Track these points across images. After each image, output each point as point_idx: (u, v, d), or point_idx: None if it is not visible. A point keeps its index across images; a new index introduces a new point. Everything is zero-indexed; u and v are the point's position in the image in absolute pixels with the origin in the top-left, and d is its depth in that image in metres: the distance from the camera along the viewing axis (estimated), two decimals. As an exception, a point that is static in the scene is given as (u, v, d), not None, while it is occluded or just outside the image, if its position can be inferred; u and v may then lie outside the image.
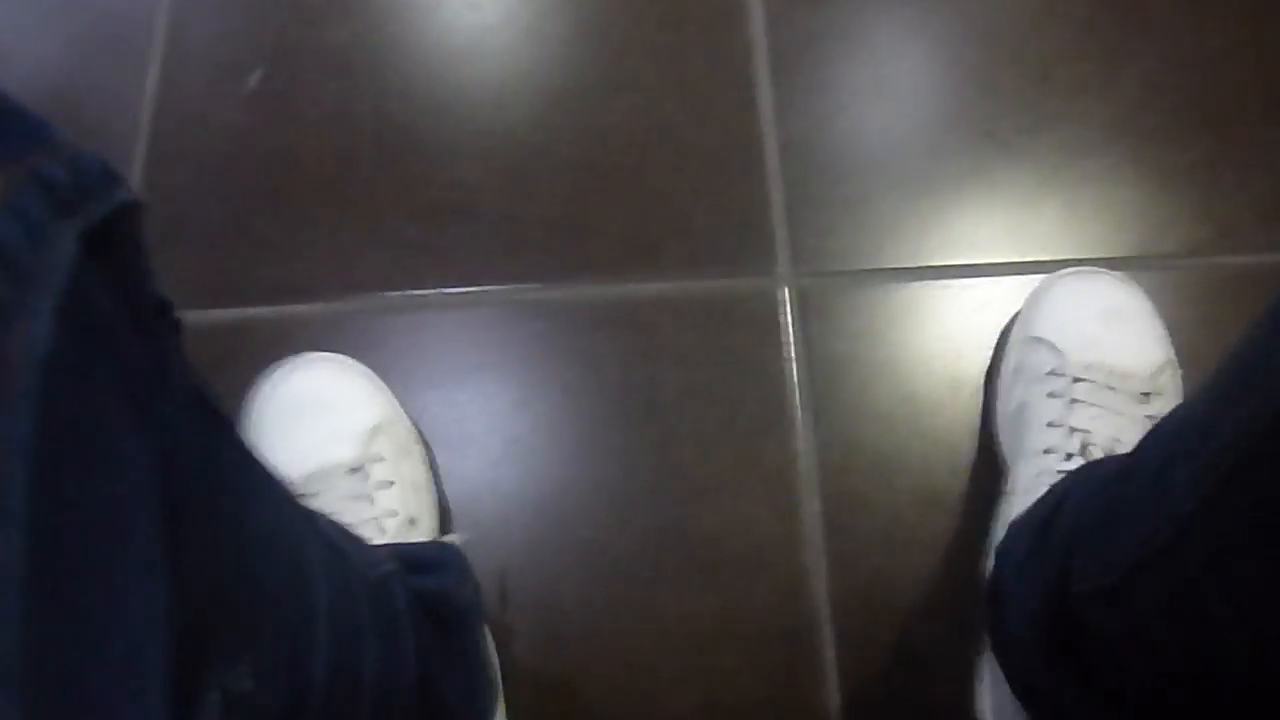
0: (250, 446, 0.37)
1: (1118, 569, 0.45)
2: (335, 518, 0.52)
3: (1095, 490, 0.53)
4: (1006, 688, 0.60)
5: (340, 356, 0.71)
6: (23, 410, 0.22)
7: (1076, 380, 0.64)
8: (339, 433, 0.66)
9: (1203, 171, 0.81)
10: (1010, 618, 0.58)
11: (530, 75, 0.87)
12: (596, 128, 0.84)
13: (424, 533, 0.66)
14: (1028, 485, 0.63)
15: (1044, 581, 0.52)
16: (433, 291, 0.80)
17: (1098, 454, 0.61)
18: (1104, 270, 0.71)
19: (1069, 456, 0.62)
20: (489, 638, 0.65)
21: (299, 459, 0.64)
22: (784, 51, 0.86)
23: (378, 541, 0.60)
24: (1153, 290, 0.71)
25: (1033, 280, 0.76)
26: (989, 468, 0.73)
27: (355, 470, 0.64)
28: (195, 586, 0.29)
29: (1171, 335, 0.69)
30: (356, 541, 0.51)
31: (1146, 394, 0.63)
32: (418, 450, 0.71)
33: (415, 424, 0.73)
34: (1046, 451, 0.63)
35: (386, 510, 0.63)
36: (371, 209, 0.82)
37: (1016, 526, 0.61)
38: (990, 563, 0.64)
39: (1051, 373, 0.65)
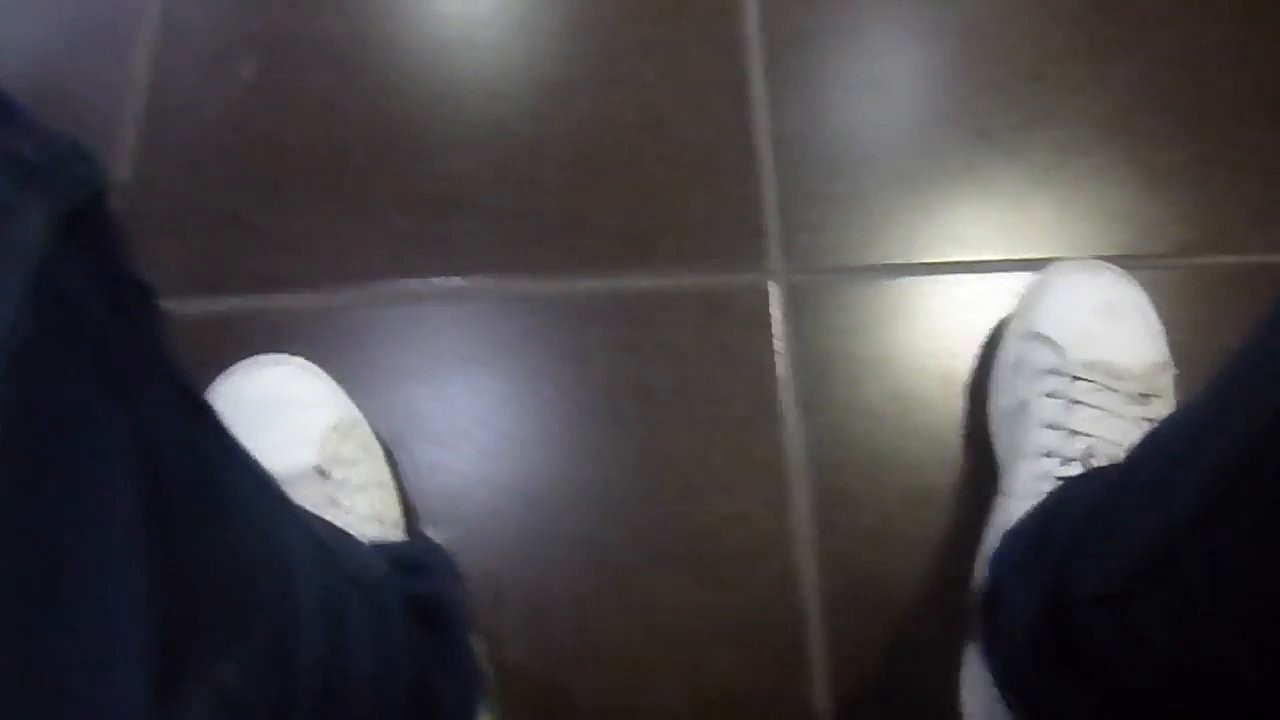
0: (235, 439, 0.36)
1: (1117, 576, 0.45)
2: None
3: (1093, 497, 0.52)
4: (993, 696, 0.60)
5: (295, 358, 0.70)
6: None
7: (1076, 379, 0.64)
8: (298, 435, 0.65)
9: (1194, 171, 0.82)
10: (1005, 624, 0.58)
11: (523, 68, 0.86)
12: (590, 121, 0.84)
13: (391, 530, 0.66)
14: (1025, 489, 0.63)
15: (1041, 588, 0.52)
16: (424, 284, 0.80)
17: (1100, 463, 0.60)
18: (1104, 263, 0.71)
19: (1068, 461, 0.61)
20: (478, 638, 0.65)
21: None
22: (778, 47, 0.86)
23: None
24: (1143, 289, 0.71)
25: (1024, 278, 0.76)
26: (979, 465, 0.73)
27: (316, 473, 0.64)
28: (179, 576, 0.29)
29: (1161, 334, 0.69)
30: (346, 541, 0.50)
31: (1145, 395, 0.63)
32: (378, 450, 0.71)
33: (382, 426, 0.72)
34: (1046, 455, 0.62)
35: (355, 514, 0.63)
36: (363, 200, 0.82)
37: (1012, 533, 0.61)
38: (984, 569, 0.64)
39: (1051, 371, 0.65)
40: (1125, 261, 0.75)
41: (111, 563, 0.24)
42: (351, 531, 0.61)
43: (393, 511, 0.68)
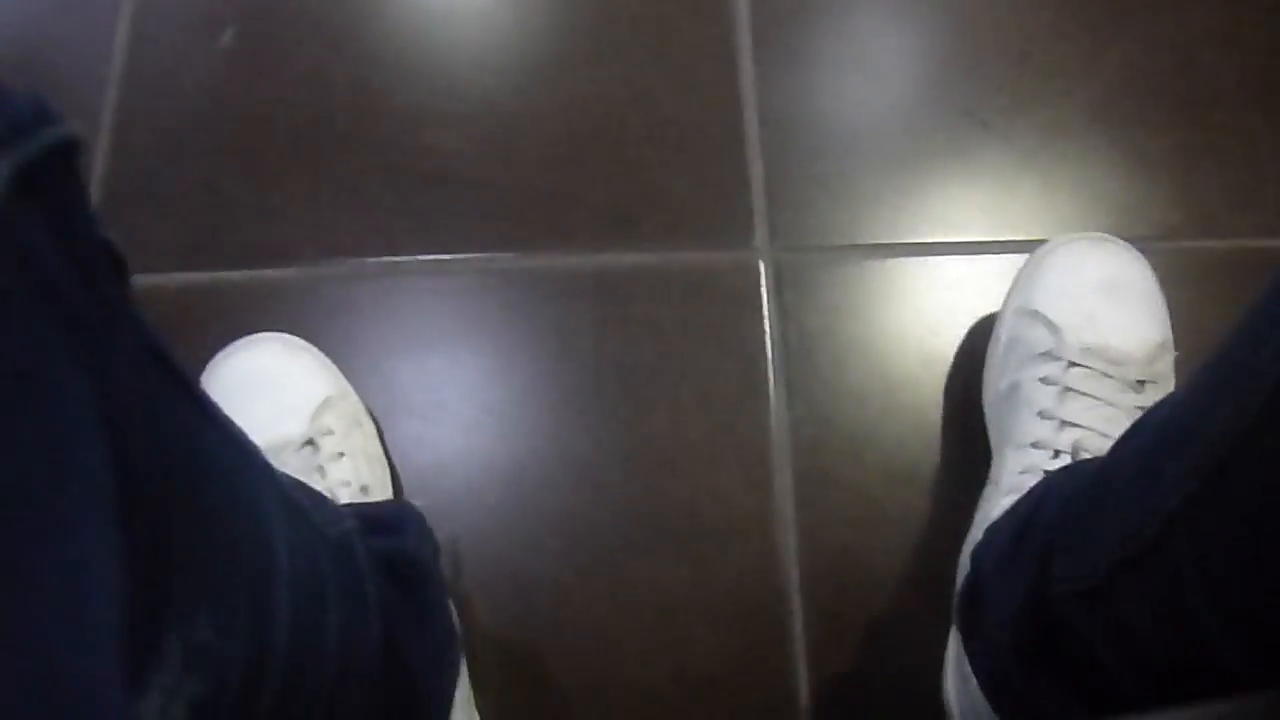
0: (211, 401, 0.36)
1: (1100, 568, 0.44)
2: None
3: (1076, 490, 0.52)
4: (974, 687, 0.60)
5: (285, 335, 0.70)
6: None
7: (1072, 365, 0.62)
8: (287, 409, 0.66)
9: (1179, 156, 0.82)
10: (987, 618, 0.58)
11: (510, 41, 0.86)
12: (576, 97, 0.83)
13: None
14: (1012, 480, 0.62)
15: (1022, 583, 0.52)
16: (407, 258, 0.79)
17: (1087, 456, 0.60)
18: (1108, 237, 0.69)
19: (1057, 454, 0.60)
20: (451, 603, 0.65)
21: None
22: (766, 25, 0.85)
23: None
24: (1141, 256, 0.70)
25: (1009, 260, 0.76)
26: (961, 445, 0.73)
27: (305, 444, 0.64)
28: (151, 536, 0.28)
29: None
30: (317, 499, 0.50)
31: (1142, 381, 0.62)
32: (367, 422, 0.71)
33: (364, 399, 0.73)
34: (1035, 445, 0.62)
35: (339, 481, 0.63)
36: (346, 173, 0.81)
37: (994, 527, 0.60)
38: (965, 561, 0.64)
39: (1046, 354, 0.64)
40: (1109, 244, 0.75)
41: (79, 516, 0.24)
42: (336, 499, 0.61)
43: (382, 484, 0.68)
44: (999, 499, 0.62)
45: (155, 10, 0.86)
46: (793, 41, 0.85)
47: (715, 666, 0.69)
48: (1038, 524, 0.54)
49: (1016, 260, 0.73)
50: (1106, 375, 0.62)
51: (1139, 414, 0.60)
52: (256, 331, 0.71)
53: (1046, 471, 0.60)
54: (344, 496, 0.63)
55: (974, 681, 0.59)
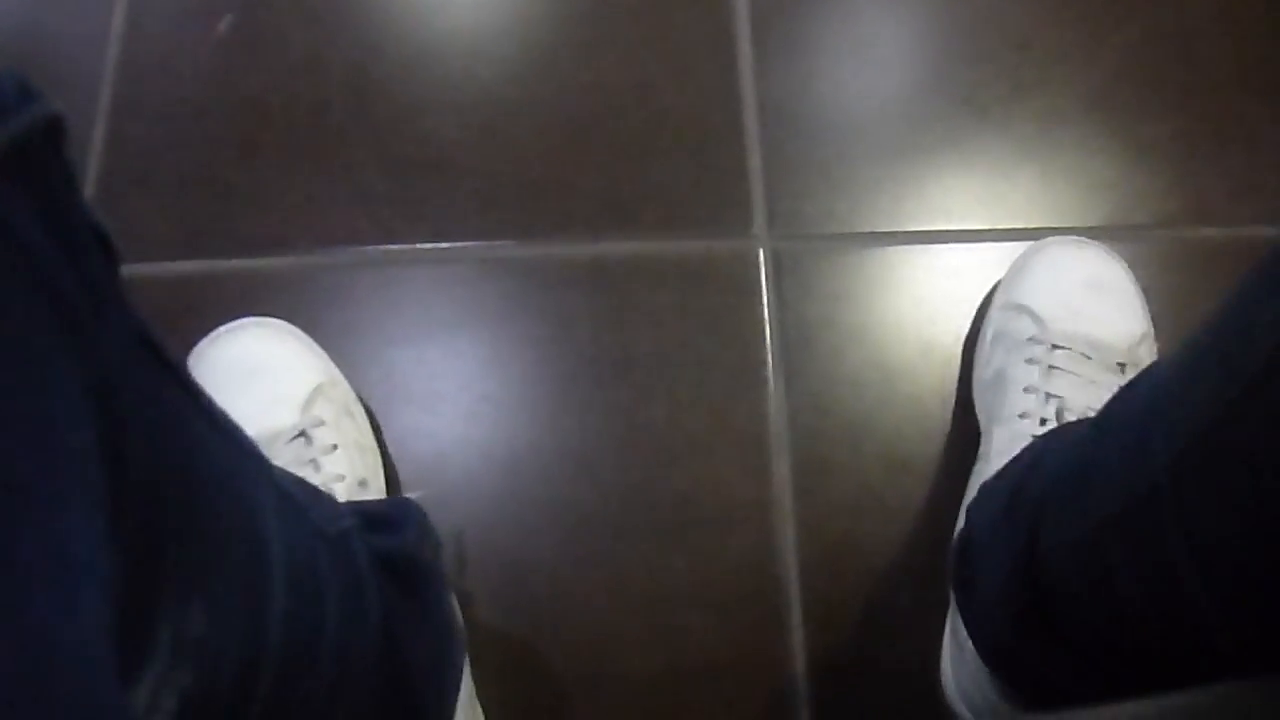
0: (202, 390, 0.36)
1: (1089, 525, 0.45)
2: None
3: (1068, 450, 0.53)
4: (969, 651, 0.61)
5: (271, 319, 0.70)
6: None
7: (1055, 348, 0.64)
8: (277, 398, 0.65)
9: (1177, 144, 0.82)
10: (979, 576, 0.59)
11: (508, 29, 0.85)
12: (574, 85, 0.83)
13: (373, 494, 0.66)
14: (1002, 449, 0.63)
15: (1014, 539, 0.53)
16: (405, 247, 0.79)
17: (1072, 419, 0.61)
18: (1089, 240, 0.71)
19: (1043, 422, 0.62)
20: (453, 597, 0.65)
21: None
22: (765, 12, 0.85)
23: None
24: (1124, 261, 0.71)
25: (1006, 248, 0.76)
26: (959, 434, 0.73)
27: (298, 436, 0.64)
28: (141, 520, 0.28)
29: (1142, 306, 0.70)
30: (315, 496, 0.50)
31: (1122, 365, 0.64)
32: (358, 410, 0.70)
33: (363, 389, 0.73)
34: (1022, 416, 0.63)
35: (334, 474, 0.63)
36: (343, 161, 0.81)
37: (988, 486, 0.61)
38: (961, 524, 0.65)
39: (1031, 339, 0.66)
40: (1107, 232, 0.75)
41: (67, 499, 0.24)
42: (331, 493, 0.61)
43: (375, 474, 0.68)
44: (990, 467, 0.64)
45: (151, -2, 0.86)
46: (792, 29, 0.85)
47: (713, 656, 0.69)
48: (1030, 483, 0.55)
49: (1015, 249, 0.74)
50: (1087, 357, 0.64)
51: None
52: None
53: (1035, 438, 0.61)
54: (340, 491, 0.62)
55: (969, 648, 0.60)
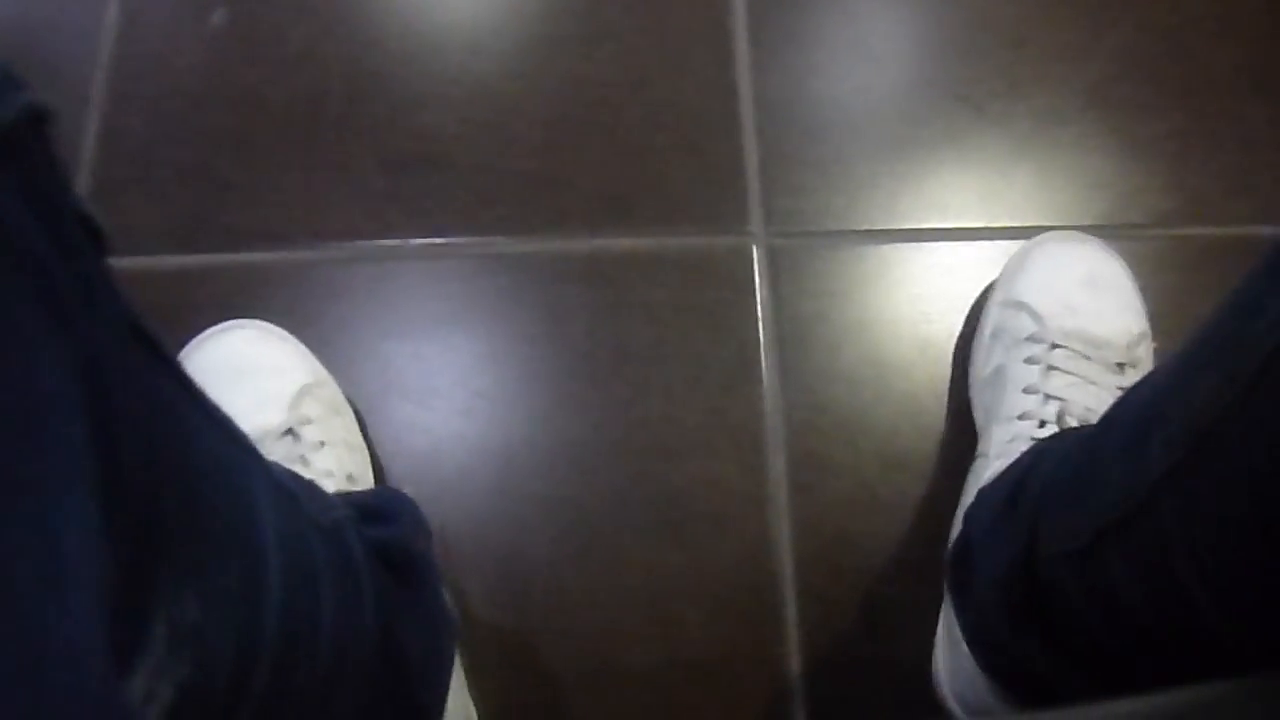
0: (194, 381, 0.36)
1: (1088, 531, 0.45)
2: None
3: (1067, 455, 0.53)
4: (963, 652, 0.61)
5: (260, 322, 0.70)
6: None
7: (1054, 347, 0.64)
8: (266, 398, 0.65)
9: (1174, 142, 0.82)
10: (977, 581, 0.59)
11: (504, 24, 0.85)
12: (571, 80, 0.83)
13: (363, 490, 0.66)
14: (1000, 449, 0.63)
15: (1012, 544, 0.53)
16: (400, 242, 0.79)
17: (1072, 423, 0.61)
18: (1087, 236, 0.71)
19: (1043, 424, 0.62)
20: (446, 591, 0.65)
21: None
22: (762, 8, 0.85)
23: None
24: (1124, 262, 0.71)
25: (1002, 246, 0.76)
26: (955, 431, 0.73)
27: (286, 433, 0.64)
28: (135, 510, 0.28)
29: (1138, 304, 0.70)
30: (308, 488, 0.50)
31: (1121, 365, 0.64)
32: (346, 410, 0.71)
33: (357, 384, 0.72)
34: (1021, 417, 0.63)
35: (323, 471, 0.63)
36: (339, 156, 0.81)
37: (986, 491, 0.61)
38: (958, 526, 0.64)
39: (1030, 338, 0.66)
40: (1103, 231, 0.75)
41: (57, 489, 0.24)
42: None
43: (364, 471, 0.68)
44: (988, 467, 0.63)
45: (146, -9, 0.86)
46: (789, 25, 0.85)
47: (709, 651, 0.69)
48: (1028, 487, 0.55)
49: (1012, 246, 0.74)
50: (1086, 357, 0.64)
51: (1120, 393, 0.61)
52: (249, 314, 0.71)
53: (1035, 439, 0.61)
54: (329, 487, 0.62)
55: (964, 646, 0.60)
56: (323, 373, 0.70)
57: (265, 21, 0.85)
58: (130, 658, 0.29)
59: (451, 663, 0.61)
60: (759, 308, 0.77)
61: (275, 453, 0.63)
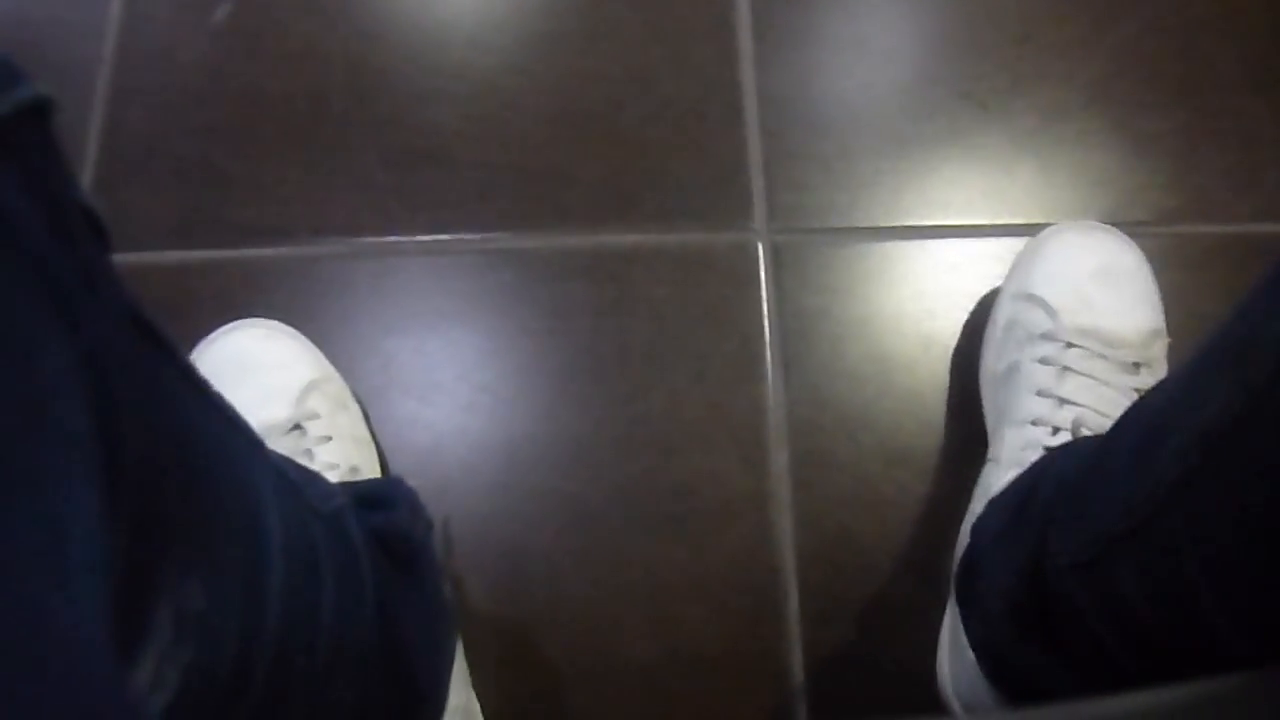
0: (196, 371, 0.36)
1: (1098, 542, 0.45)
2: None
3: (1077, 465, 0.52)
4: (968, 657, 0.61)
5: (268, 320, 0.70)
6: None
7: (1069, 346, 0.63)
8: (271, 392, 0.65)
9: (1178, 140, 0.82)
10: (984, 591, 0.58)
11: (508, 19, 0.85)
12: (574, 75, 0.83)
13: None
14: (1012, 456, 0.62)
15: (1021, 556, 0.52)
16: (404, 238, 0.79)
17: (1085, 433, 0.60)
18: (1103, 226, 0.70)
19: (1056, 431, 0.61)
20: (447, 584, 0.65)
21: None
22: (765, 3, 0.85)
23: None
24: (1143, 254, 0.70)
25: (1006, 243, 0.76)
26: (958, 427, 0.73)
27: (293, 428, 0.64)
28: (138, 497, 0.28)
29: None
30: (308, 476, 0.50)
31: (1137, 364, 0.62)
32: (353, 405, 0.71)
33: (360, 380, 0.73)
34: (1034, 422, 0.62)
35: (327, 464, 0.63)
36: (342, 151, 0.81)
37: (995, 501, 0.61)
38: (965, 536, 0.64)
39: (1044, 335, 0.64)
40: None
41: (60, 476, 0.24)
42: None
43: (370, 465, 0.68)
44: (1000, 474, 0.63)
45: (149, -14, 0.86)
46: (792, 21, 0.85)
47: (710, 647, 0.69)
48: (1037, 498, 0.55)
49: (1015, 243, 0.73)
50: (1102, 356, 0.63)
51: (1135, 395, 0.60)
52: (252, 310, 0.71)
53: (1046, 448, 0.60)
54: (333, 479, 0.63)
55: (969, 653, 0.60)
56: (329, 368, 0.70)
57: (268, 17, 0.85)
58: (136, 646, 0.29)
59: (453, 650, 0.61)
60: (762, 304, 0.77)
61: (281, 447, 0.63)
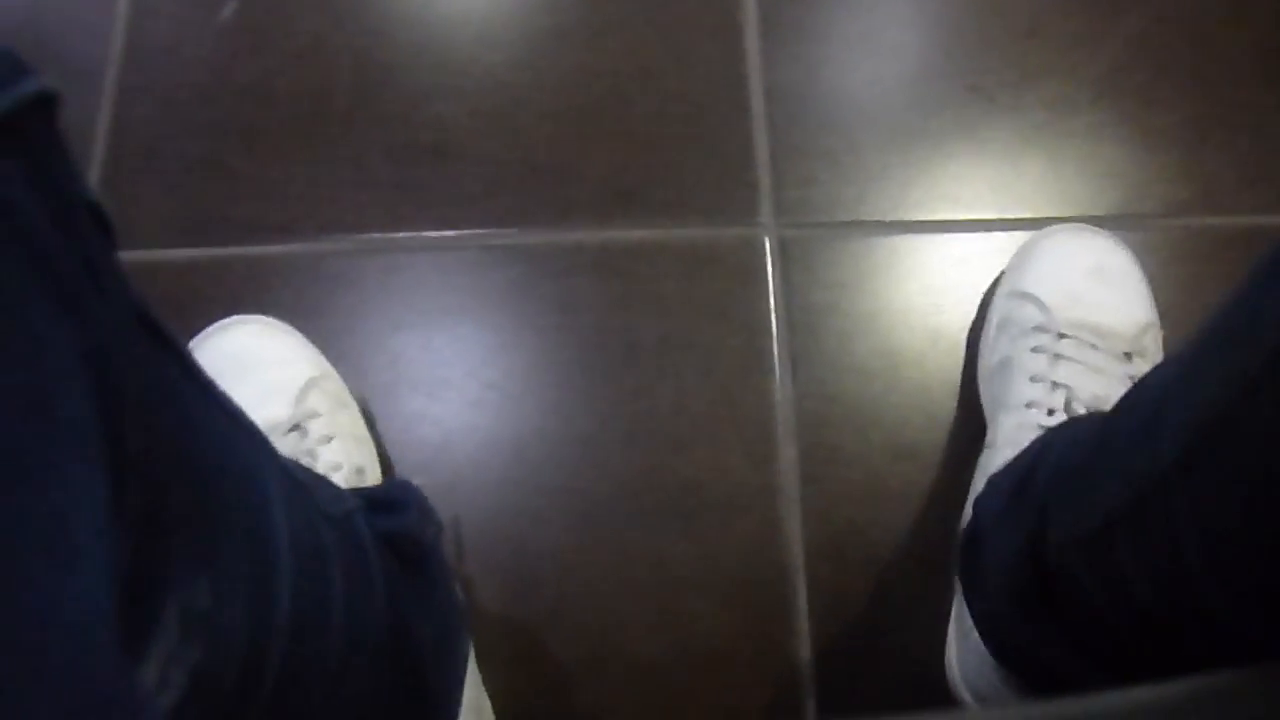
0: (202, 370, 0.36)
1: (1097, 518, 0.45)
2: None
3: (1077, 442, 0.53)
4: (974, 640, 0.61)
5: (263, 316, 0.70)
6: None
7: (1061, 336, 0.64)
8: (271, 391, 0.65)
9: (1187, 132, 0.81)
10: (986, 569, 0.59)
11: (513, 15, 0.85)
12: (580, 70, 0.83)
13: (371, 483, 0.66)
14: (1008, 438, 0.63)
15: (1022, 532, 0.53)
16: (410, 234, 0.79)
17: (1080, 410, 0.61)
18: (1094, 228, 0.71)
19: (1051, 412, 0.62)
20: (457, 583, 0.65)
21: None
22: (771, -2, 0.85)
23: None
24: (1133, 250, 0.71)
25: (1014, 237, 0.76)
26: (965, 422, 0.73)
27: (293, 429, 0.64)
28: (144, 495, 0.28)
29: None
30: (317, 479, 0.50)
31: (1129, 354, 0.64)
32: (351, 403, 0.71)
33: (367, 376, 0.73)
34: (1028, 405, 0.63)
35: (331, 464, 0.63)
36: (348, 148, 0.81)
37: (996, 478, 0.61)
38: (968, 510, 0.64)
39: (1036, 328, 0.66)
40: (1116, 221, 0.75)
41: (65, 472, 0.24)
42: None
43: (371, 464, 0.68)
44: (997, 455, 0.63)
45: (156, -17, 0.86)
46: (799, 15, 0.84)
47: (718, 642, 0.69)
48: (1038, 475, 0.55)
49: (1023, 237, 0.73)
50: (1094, 346, 0.64)
51: (1129, 381, 0.61)
52: (257, 307, 0.71)
53: (1043, 427, 0.61)
54: (338, 480, 0.63)
55: (974, 635, 0.60)
56: (327, 366, 0.70)
57: (275, 15, 0.85)
58: (142, 644, 0.29)
59: (466, 650, 0.61)
60: (769, 299, 0.77)
61: (282, 448, 0.63)
